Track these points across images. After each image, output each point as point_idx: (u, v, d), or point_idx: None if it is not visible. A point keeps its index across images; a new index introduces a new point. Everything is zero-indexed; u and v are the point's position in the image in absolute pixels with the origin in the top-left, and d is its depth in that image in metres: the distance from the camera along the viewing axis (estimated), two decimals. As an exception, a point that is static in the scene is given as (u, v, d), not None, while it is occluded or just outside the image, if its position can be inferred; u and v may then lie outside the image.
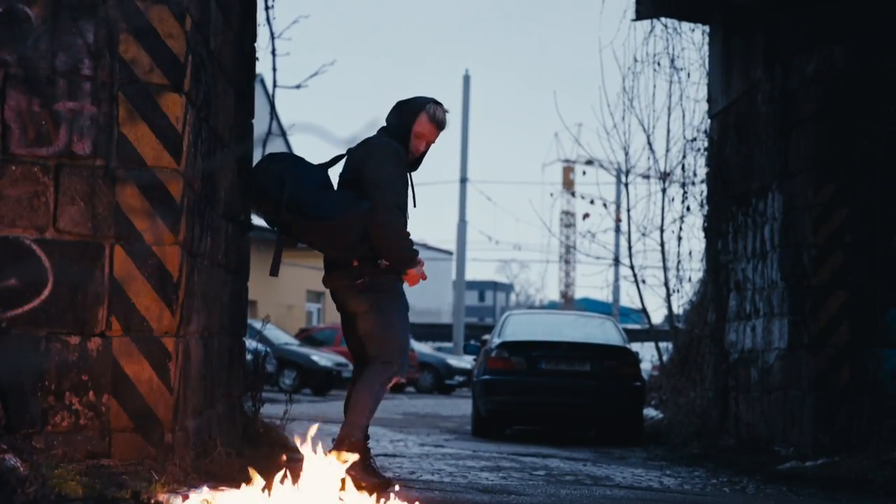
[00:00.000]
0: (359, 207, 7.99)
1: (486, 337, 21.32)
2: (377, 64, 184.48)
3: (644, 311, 20.58)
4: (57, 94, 7.51)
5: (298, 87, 9.88)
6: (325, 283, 8.39)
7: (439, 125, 8.43)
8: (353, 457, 5.95)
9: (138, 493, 5.39)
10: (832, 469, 11.88)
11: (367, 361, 8.29)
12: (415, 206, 8.38)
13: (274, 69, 9.93)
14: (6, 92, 7.46)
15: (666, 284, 19.36)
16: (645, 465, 13.47)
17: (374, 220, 8.00)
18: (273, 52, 10.02)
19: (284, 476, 5.73)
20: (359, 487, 6.30)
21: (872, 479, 11.13)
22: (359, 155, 8.26)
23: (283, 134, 22.85)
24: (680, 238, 18.76)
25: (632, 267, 20.10)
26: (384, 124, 8.51)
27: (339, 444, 8.05)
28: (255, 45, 11.02)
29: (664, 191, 19.18)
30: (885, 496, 10.43)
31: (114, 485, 6.52)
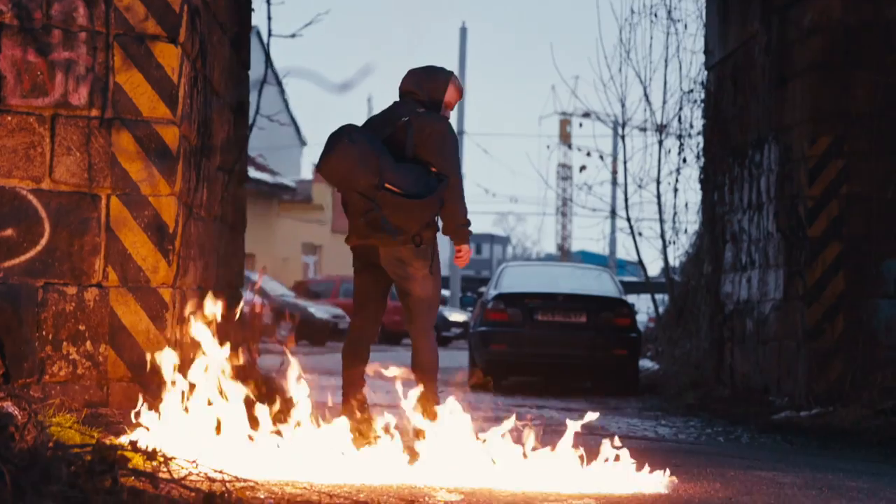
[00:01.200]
0: (444, 184, 8.06)
1: (483, 289, 21.36)
2: (372, 14, 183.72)
3: (640, 263, 20.63)
4: (52, 44, 7.51)
5: (293, 35, 9.85)
6: (380, 244, 8.15)
7: (462, 93, 8.56)
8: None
9: (136, 441, 5.42)
10: (826, 419, 11.94)
11: (408, 323, 8.34)
12: None
13: (269, 18, 9.91)
14: (1, 42, 7.45)
15: (662, 236, 19.40)
16: (640, 415, 13.53)
17: (451, 196, 8.11)
18: (268, 1, 10.00)
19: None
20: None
21: (866, 428, 11.19)
22: (421, 130, 8.16)
23: (279, 83, 22.78)
24: (676, 190, 18.80)
25: (628, 219, 20.13)
26: (404, 92, 8.42)
27: (429, 412, 8.21)
28: (251, -5, 11.00)
29: (661, 143, 19.20)
30: (878, 445, 10.49)
31: (112, 433, 6.56)
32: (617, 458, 6.58)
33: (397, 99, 8.37)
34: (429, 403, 8.10)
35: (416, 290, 8.22)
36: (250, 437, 6.45)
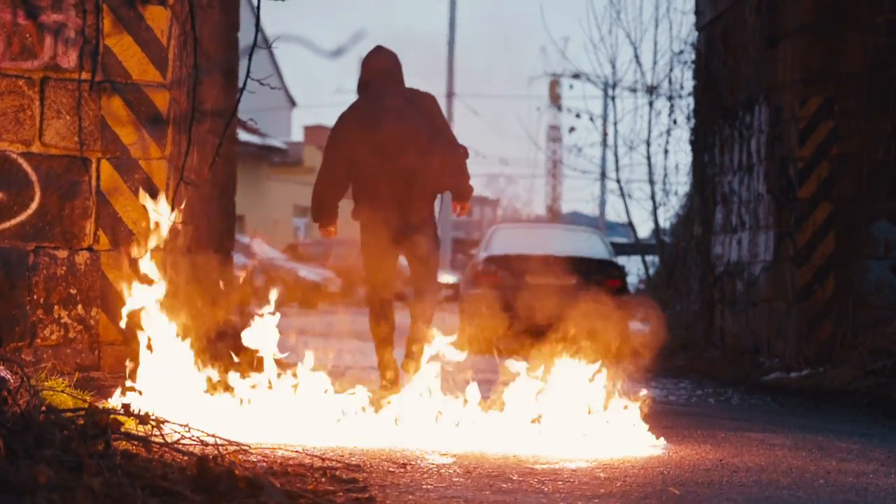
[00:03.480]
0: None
1: (474, 251, 21.38)
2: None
3: (630, 224, 20.64)
4: (41, 7, 7.47)
5: (284, -1, 9.78)
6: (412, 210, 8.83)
7: None
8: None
9: (128, 404, 5.43)
10: (816, 380, 11.98)
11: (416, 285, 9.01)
12: None
13: (259, -19, 9.84)
14: (-10, 5, 7.41)
15: (652, 198, 19.40)
16: (630, 377, 13.55)
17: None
18: (258, -36, 9.92)
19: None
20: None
21: (856, 389, 11.22)
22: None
23: (269, 47, 22.69)
24: (667, 151, 18.80)
25: (618, 181, 20.13)
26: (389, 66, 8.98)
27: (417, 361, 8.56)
28: (240, -43, 10.94)
29: (651, 104, 19.18)
30: (868, 406, 10.53)
31: (104, 397, 6.57)
32: (608, 420, 6.62)
33: (373, 77, 8.83)
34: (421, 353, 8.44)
35: (431, 247, 8.89)
36: (242, 401, 6.47)
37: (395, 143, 8.49)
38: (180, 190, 8.00)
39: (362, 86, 8.82)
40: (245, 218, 36.26)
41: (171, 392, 6.34)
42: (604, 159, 25.61)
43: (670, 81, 18.47)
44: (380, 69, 8.73)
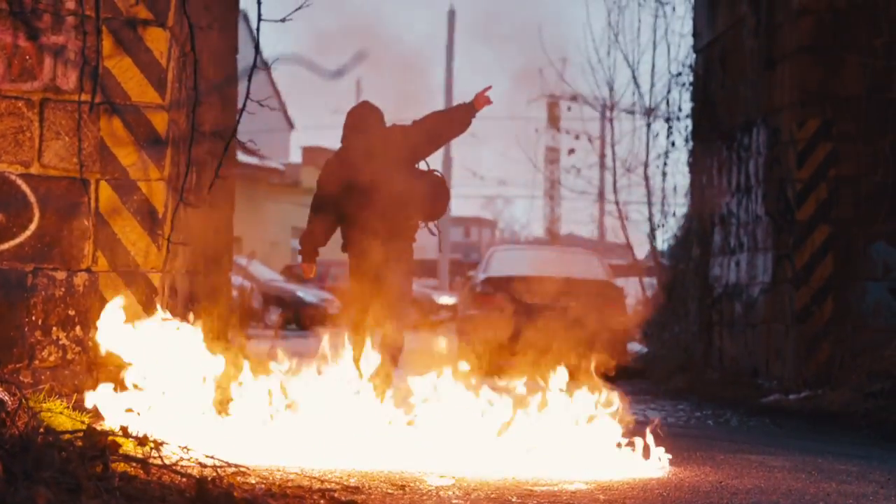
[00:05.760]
0: None
1: (472, 273, 21.35)
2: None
3: (629, 246, 20.63)
4: (41, 28, 7.47)
5: (283, 20, 9.81)
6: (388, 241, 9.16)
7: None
8: None
9: (127, 426, 5.42)
10: (815, 402, 11.97)
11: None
12: None
13: (258, 2, 9.86)
14: (-11, 26, 7.42)
15: (650, 220, 19.39)
16: (629, 398, 13.52)
17: None
18: (257, -15, 9.94)
19: None
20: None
21: (855, 411, 11.21)
22: None
23: (268, 68, 22.73)
24: (665, 173, 18.78)
25: (616, 203, 20.14)
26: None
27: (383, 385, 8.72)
28: (239, -22, 10.96)
29: (649, 126, 19.17)
30: (867, 428, 10.52)
31: (102, 418, 6.55)
32: (608, 442, 6.61)
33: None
34: (387, 378, 8.57)
35: (403, 280, 9.25)
36: (242, 422, 6.46)
37: (367, 186, 8.90)
38: (179, 211, 8.00)
39: (343, 138, 9.32)
40: (243, 239, 36.21)
41: (170, 413, 6.32)
42: (602, 181, 25.65)
43: (668, 103, 18.48)
44: (355, 122, 9.22)
